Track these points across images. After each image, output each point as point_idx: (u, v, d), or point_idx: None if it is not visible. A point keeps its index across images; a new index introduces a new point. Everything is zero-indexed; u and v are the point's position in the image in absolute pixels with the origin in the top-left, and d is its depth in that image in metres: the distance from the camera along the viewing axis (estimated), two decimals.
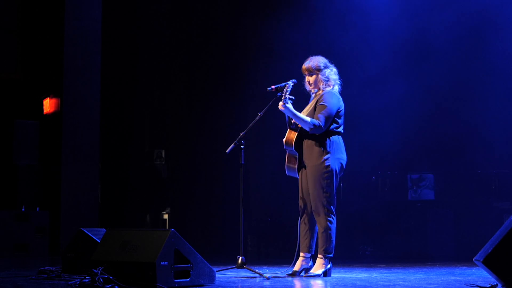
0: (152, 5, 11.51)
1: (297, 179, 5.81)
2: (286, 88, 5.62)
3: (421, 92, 9.92)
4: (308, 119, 5.57)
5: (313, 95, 5.85)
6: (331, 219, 5.59)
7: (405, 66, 9.78)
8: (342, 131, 5.75)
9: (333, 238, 5.62)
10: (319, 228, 5.64)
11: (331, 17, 9.75)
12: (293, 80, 5.72)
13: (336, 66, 5.86)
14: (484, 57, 9.54)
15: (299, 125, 5.66)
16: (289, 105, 5.59)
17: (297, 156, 5.70)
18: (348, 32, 9.64)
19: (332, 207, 5.61)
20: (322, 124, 5.55)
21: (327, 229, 5.58)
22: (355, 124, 9.31)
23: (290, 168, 5.77)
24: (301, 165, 5.73)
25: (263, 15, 10.52)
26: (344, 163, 5.72)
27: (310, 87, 5.80)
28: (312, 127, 5.55)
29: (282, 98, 5.60)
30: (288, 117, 5.73)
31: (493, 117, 9.57)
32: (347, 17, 9.76)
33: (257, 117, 5.78)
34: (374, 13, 9.73)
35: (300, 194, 5.78)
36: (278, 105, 5.63)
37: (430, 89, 9.90)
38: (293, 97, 5.70)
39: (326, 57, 5.86)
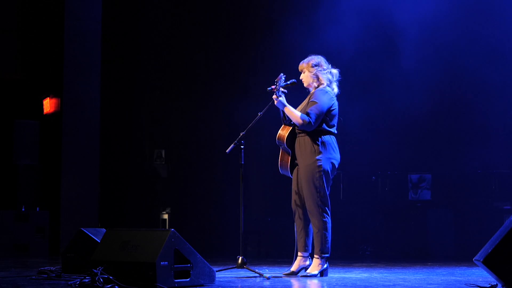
0: (152, 5, 11.51)
1: (291, 178, 5.81)
2: (277, 80, 5.61)
3: (421, 92, 9.91)
4: (299, 114, 5.58)
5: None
6: (325, 219, 5.59)
7: (405, 66, 9.77)
8: (335, 132, 5.74)
9: (329, 238, 5.62)
10: (313, 228, 5.64)
11: (333, 20, 9.74)
12: (283, 74, 5.70)
13: (335, 66, 5.86)
14: (485, 57, 9.53)
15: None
16: (282, 98, 5.61)
17: (290, 153, 5.70)
18: (349, 34, 9.64)
19: (326, 207, 5.61)
20: (312, 120, 5.55)
21: (322, 229, 5.58)
22: (355, 124, 9.32)
23: (283, 166, 5.77)
24: (294, 164, 5.74)
25: (264, 14, 10.52)
26: (336, 163, 5.71)
27: (305, 85, 5.82)
28: (302, 122, 5.56)
29: (274, 90, 5.60)
30: (282, 111, 5.74)
31: (493, 117, 9.57)
32: (349, 18, 9.75)
33: (257, 117, 5.78)
34: (374, 16, 9.73)
35: (293, 196, 5.78)
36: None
37: (431, 89, 9.89)
38: (285, 91, 5.71)
39: (325, 57, 5.86)
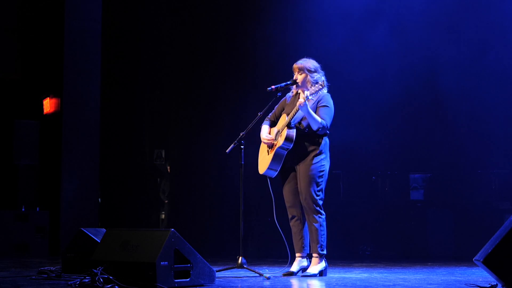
0: (152, 5, 11.51)
1: (271, 179, 5.83)
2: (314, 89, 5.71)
3: (421, 91, 9.91)
4: (319, 119, 5.64)
5: (290, 94, 5.84)
6: (322, 216, 5.70)
7: (404, 66, 9.76)
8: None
9: (325, 235, 5.71)
10: (311, 226, 5.70)
11: (331, 19, 9.74)
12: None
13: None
14: (484, 57, 9.53)
15: (296, 124, 5.71)
16: (308, 102, 5.63)
17: (285, 156, 5.70)
18: (349, 32, 9.64)
19: (322, 205, 5.72)
20: (328, 125, 5.70)
21: (319, 227, 5.67)
22: (355, 123, 9.33)
23: (274, 166, 5.77)
24: (286, 167, 5.75)
25: (264, 15, 10.52)
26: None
27: (300, 85, 5.81)
28: (321, 127, 5.65)
29: (306, 95, 5.59)
30: (293, 114, 5.75)
31: (493, 117, 9.57)
32: (345, 19, 9.75)
33: (257, 117, 5.80)
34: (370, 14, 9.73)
35: (289, 198, 5.80)
36: (297, 100, 5.70)
37: (431, 89, 9.90)
38: (313, 95, 5.73)
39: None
